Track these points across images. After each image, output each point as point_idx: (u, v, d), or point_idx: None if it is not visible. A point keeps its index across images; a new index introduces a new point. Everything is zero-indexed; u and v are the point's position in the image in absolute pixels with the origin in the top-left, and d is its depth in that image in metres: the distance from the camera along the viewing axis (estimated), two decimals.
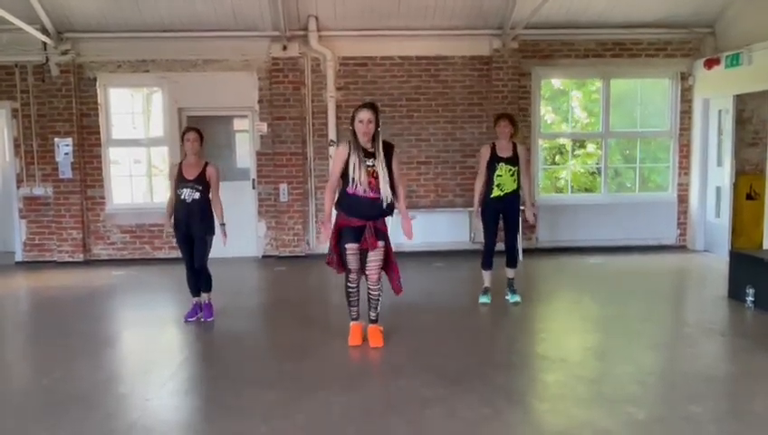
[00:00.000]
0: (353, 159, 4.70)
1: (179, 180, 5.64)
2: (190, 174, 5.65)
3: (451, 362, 4.62)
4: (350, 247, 4.84)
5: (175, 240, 6.00)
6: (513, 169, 6.02)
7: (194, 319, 5.82)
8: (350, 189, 4.74)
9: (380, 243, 4.84)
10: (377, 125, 4.73)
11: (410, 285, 7.32)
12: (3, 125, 9.29)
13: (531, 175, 6.36)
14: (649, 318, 5.84)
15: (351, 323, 5.06)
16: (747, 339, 5.23)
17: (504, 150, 6.06)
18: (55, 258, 9.14)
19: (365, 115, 4.69)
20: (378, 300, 5.00)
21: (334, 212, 4.90)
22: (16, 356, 5.32)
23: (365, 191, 4.70)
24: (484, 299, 6.27)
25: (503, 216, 6.14)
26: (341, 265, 4.93)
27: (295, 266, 8.65)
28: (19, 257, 9.25)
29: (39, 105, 9.02)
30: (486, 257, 6.23)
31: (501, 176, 6.01)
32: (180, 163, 5.76)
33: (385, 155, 4.76)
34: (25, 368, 4.97)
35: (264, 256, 9.33)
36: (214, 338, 5.43)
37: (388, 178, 4.73)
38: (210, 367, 4.80)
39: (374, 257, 4.85)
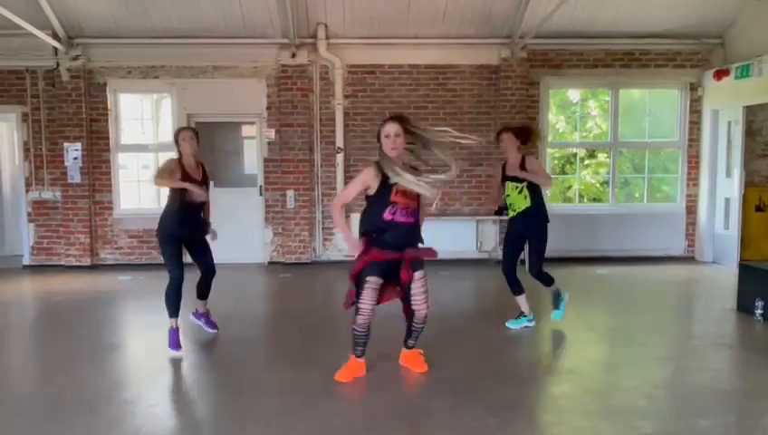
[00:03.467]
0: (392, 180, 4.17)
1: (186, 180, 5.09)
2: (195, 174, 5.20)
3: (457, 373, 4.59)
4: (372, 281, 4.20)
5: (164, 251, 5.16)
6: (520, 185, 5.56)
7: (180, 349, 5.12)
8: (387, 215, 4.22)
9: (419, 273, 4.33)
10: (408, 138, 4.26)
11: None
12: (13, 129, 9.36)
13: (547, 179, 5.73)
14: (657, 330, 5.80)
15: (354, 357, 4.48)
16: (756, 352, 5.17)
17: (512, 168, 5.59)
18: (63, 262, 9.18)
19: (391, 129, 4.21)
20: (420, 332, 4.53)
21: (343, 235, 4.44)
22: (22, 361, 5.32)
23: (393, 213, 4.22)
24: (514, 325, 5.73)
25: (525, 239, 5.67)
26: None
27: (301, 273, 8.65)
28: (27, 261, 9.30)
29: (49, 110, 9.08)
30: (508, 282, 5.71)
31: (509, 196, 5.64)
32: (180, 162, 5.16)
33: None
34: (30, 373, 4.97)
35: (270, 263, 9.33)
36: (218, 345, 5.41)
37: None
38: (214, 374, 4.79)
39: (417, 290, 4.33)
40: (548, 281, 5.70)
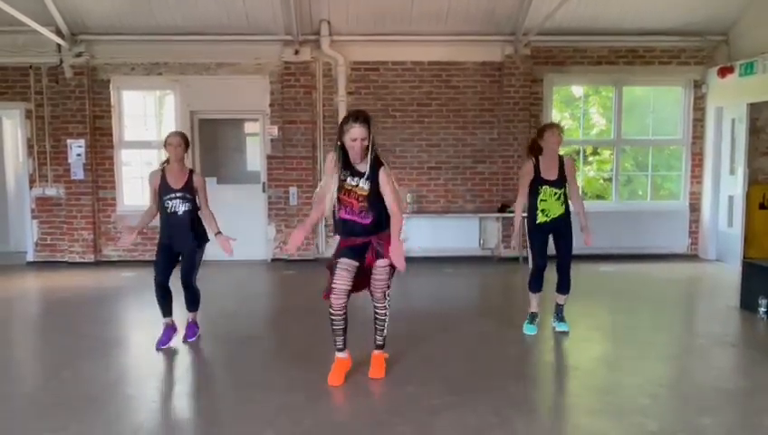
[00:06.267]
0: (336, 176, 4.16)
1: (164, 190, 5.07)
2: (176, 183, 5.08)
3: (460, 370, 4.59)
4: (343, 262, 4.20)
5: (155, 252, 5.23)
6: (559, 192, 5.26)
7: (168, 345, 5.16)
8: (340, 212, 4.23)
9: (382, 261, 4.24)
10: (370, 139, 4.08)
11: (419, 292, 7.33)
12: (16, 126, 9.38)
13: (580, 194, 5.59)
14: (661, 328, 5.80)
15: (336, 356, 4.41)
16: (759, 351, 5.16)
17: (550, 171, 5.26)
18: (66, 259, 9.20)
19: (357, 133, 4.01)
20: (384, 321, 4.46)
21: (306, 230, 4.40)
22: (25, 356, 5.34)
23: (348, 212, 4.19)
24: (530, 330, 5.47)
25: (553, 236, 5.39)
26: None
27: (304, 270, 8.65)
28: (30, 257, 9.32)
29: (52, 106, 9.09)
30: (536, 279, 5.46)
31: (545, 201, 5.29)
32: (162, 171, 5.14)
33: (373, 174, 4.12)
34: (34, 368, 4.99)
35: (273, 260, 9.34)
36: (221, 342, 5.42)
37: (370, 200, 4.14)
38: (217, 371, 4.81)
39: (379, 276, 4.31)
40: (570, 285, 5.47)
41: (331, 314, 4.26)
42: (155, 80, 9.24)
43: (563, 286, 5.46)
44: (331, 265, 4.30)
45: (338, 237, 4.42)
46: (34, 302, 7.37)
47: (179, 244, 5.13)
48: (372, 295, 4.41)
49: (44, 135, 9.15)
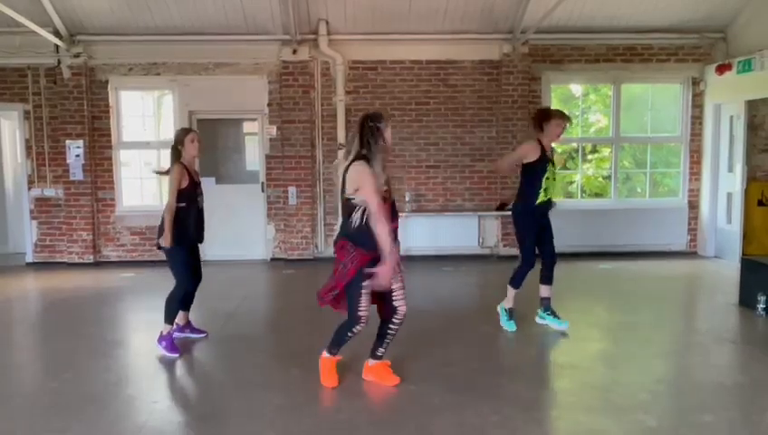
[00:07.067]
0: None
1: (195, 186, 5.03)
2: (197, 177, 5.15)
3: (460, 369, 4.60)
4: (367, 286, 3.98)
5: (177, 258, 5.00)
6: (558, 173, 5.50)
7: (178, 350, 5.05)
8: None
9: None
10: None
11: (418, 291, 7.32)
12: (15, 127, 9.38)
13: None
14: (660, 325, 5.81)
15: (329, 357, 4.31)
16: (759, 347, 5.17)
17: (550, 153, 5.35)
18: (65, 260, 9.19)
19: (389, 133, 4.04)
20: (394, 336, 4.27)
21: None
22: (26, 357, 5.34)
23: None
24: (511, 326, 5.48)
25: (542, 225, 5.40)
26: (340, 303, 4.11)
27: (304, 270, 8.65)
28: (30, 258, 9.31)
29: (51, 107, 9.08)
30: (521, 276, 5.42)
31: (549, 179, 5.26)
32: (184, 167, 5.00)
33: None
34: (35, 369, 4.99)
35: (272, 259, 9.34)
36: (222, 342, 5.42)
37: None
38: (217, 371, 4.81)
39: (397, 285, 4.12)
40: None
41: (356, 333, 4.08)
42: (153, 80, 9.23)
43: (550, 277, 5.49)
44: (347, 286, 4.00)
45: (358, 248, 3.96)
46: (34, 303, 7.37)
47: (201, 237, 5.19)
48: (397, 311, 4.14)
49: (43, 136, 9.14)
